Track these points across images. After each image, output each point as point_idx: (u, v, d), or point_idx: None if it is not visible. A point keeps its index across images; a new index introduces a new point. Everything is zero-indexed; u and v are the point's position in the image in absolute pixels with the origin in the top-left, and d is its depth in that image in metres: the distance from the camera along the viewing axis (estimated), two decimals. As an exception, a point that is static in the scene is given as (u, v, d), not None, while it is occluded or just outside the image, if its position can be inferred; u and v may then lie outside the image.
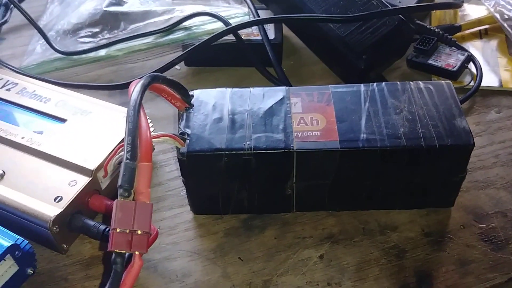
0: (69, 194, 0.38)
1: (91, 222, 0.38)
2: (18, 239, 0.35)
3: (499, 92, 0.51)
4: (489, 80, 0.52)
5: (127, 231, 0.28)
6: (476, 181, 0.43)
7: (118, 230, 0.27)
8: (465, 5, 0.61)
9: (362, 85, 0.42)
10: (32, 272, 0.37)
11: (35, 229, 0.37)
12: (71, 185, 0.39)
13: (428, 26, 0.54)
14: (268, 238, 0.40)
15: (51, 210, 0.37)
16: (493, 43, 0.56)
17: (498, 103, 0.50)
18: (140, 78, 0.35)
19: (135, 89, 0.34)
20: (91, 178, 0.39)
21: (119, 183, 0.28)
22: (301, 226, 0.41)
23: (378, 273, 0.38)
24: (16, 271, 0.36)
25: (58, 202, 0.38)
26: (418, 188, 0.40)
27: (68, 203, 0.38)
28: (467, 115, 0.49)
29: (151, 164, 0.30)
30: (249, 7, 0.57)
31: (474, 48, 0.56)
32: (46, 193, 0.38)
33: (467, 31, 0.57)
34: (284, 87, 0.42)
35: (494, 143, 0.47)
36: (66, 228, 0.38)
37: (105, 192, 0.41)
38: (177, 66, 0.56)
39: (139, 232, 0.28)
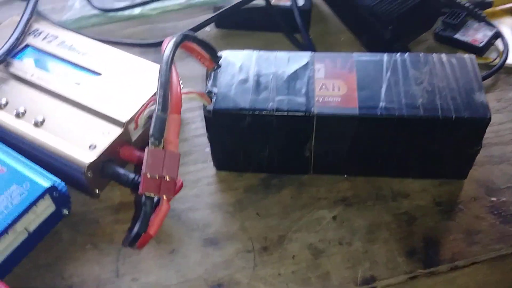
0: (103, 143, 0.41)
1: (122, 171, 0.40)
2: (56, 181, 0.39)
3: (524, 71, 0.52)
4: (516, 57, 0.52)
5: (157, 176, 0.30)
6: (491, 156, 0.44)
7: (148, 175, 0.30)
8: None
9: (385, 54, 0.42)
10: (67, 213, 0.41)
11: (71, 173, 0.40)
12: (104, 135, 0.42)
13: (458, 0, 0.54)
14: (285, 197, 0.43)
15: (86, 157, 0.40)
16: (525, 20, 0.56)
17: (523, 81, 0.51)
18: (173, 36, 0.37)
19: (168, 46, 0.36)
20: (123, 130, 0.42)
21: (150, 132, 0.31)
22: (316, 188, 0.43)
23: (387, 236, 0.40)
24: (53, 210, 0.39)
25: (92, 149, 0.40)
26: (433, 158, 0.41)
27: (102, 151, 0.40)
28: (490, 91, 0.50)
29: (180, 116, 0.32)
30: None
31: (505, 25, 0.55)
32: (81, 141, 0.41)
33: (499, 7, 0.57)
34: (309, 52, 0.43)
35: (514, 120, 0.47)
36: (99, 174, 0.41)
37: (135, 143, 0.44)
38: (207, 28, 0.58)
39: (167, 178, 0.30)
